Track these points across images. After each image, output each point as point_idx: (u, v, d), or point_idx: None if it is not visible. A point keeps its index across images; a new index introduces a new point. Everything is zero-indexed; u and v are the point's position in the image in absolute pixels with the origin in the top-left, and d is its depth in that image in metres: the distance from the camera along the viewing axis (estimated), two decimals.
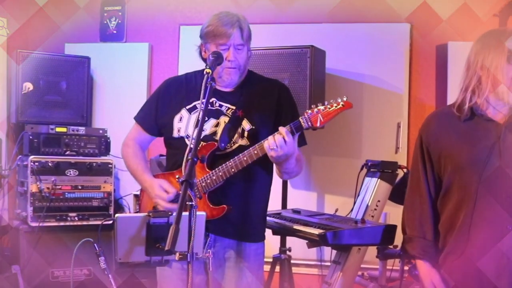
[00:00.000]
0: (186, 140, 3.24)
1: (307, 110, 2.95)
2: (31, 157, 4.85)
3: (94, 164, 5.05)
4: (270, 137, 2.95)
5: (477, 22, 4.92)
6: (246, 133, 3.20)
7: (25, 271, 4.75)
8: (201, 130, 2.73)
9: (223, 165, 3.08)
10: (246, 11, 5.41)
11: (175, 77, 3.54)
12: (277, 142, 2.92)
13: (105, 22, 5.89)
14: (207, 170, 3.14)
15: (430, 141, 2.92)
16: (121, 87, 5.75)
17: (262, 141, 3.00)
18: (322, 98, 4.92)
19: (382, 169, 4.22)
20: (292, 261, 4.66)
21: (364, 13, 5.27)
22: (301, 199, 5.22)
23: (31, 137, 4.97)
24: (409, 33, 5.17)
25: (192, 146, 2.65)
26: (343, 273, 3.99)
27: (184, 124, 3.27)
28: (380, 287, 4.03)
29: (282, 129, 2.94)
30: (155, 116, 3.39)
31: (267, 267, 5.01)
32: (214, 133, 3.21)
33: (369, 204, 4.14)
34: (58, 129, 5.09)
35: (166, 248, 2.25)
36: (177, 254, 2.37)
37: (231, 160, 3.07)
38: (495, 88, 2.74)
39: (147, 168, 3.40)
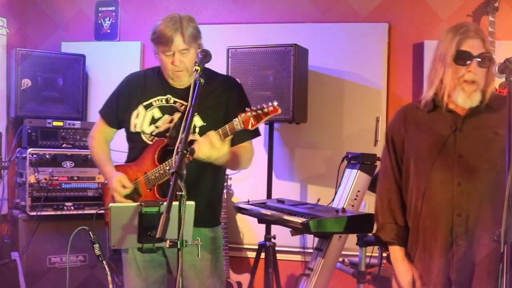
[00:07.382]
0: (142, 135, 3.24)
1: (241, 113, 2.87)
2: (30, 149, 4.84)
3: (89, 156, 4.99)
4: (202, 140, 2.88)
5: (452, 22, 4.90)
6: (197, 129, 3.16)
7: (23, 257, 4.75)
8: (191, 123, 2.70)
9: (170, 159, 3.02)
10: (234, 12, 5.42)
11: (135, 72, 3.52)
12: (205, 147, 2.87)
13: (100, 21, 5.86)
14: (157, 164, 3.13)
15: (395, 131, 2.93)
16: (114, 83, 5.61)
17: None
18: (305, 94, 4.94)
19: (361, 161, 4.21)
20: (276, 248, 4.67)
21: (345, 14, 5.27)
22: (285, 189, 5.21)
23: (29, 130, 4.96)
24: (387, 33, 5.17)
25: (180, 142, 2.61)
26: (325, 259, 3.99)
27: (140, 120, 3.26)
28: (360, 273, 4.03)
29: (212, 135, 2.87)
30: (116, 110, 3.40)
31: (252, 254, 5.04)
32: (168, 129, 3.20)
33: (349, 194, 4.13)
34: (55, 123, 5.10)
35: (157, 236, 2.25)
36: (168, 241, 2.36)
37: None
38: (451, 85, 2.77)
39: (109, 160, 3.38)
